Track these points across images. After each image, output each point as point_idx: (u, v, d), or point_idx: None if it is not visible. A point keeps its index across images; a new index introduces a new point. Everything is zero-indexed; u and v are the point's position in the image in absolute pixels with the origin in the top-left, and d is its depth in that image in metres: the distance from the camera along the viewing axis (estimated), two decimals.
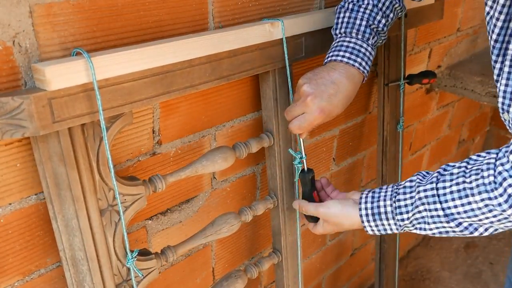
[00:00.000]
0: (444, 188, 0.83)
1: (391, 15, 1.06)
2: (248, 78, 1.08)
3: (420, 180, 0.89)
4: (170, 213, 1.06)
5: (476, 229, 0.83)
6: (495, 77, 0.86)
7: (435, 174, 0.87)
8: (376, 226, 0.93)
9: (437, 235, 0.88)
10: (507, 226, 0.82)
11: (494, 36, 0.82)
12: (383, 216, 0.91)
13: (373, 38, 1.01)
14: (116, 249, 0.83)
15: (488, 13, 0.82)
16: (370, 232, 0.94)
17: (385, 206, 0.91)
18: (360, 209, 0.94)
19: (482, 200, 0.78)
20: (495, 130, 2.75)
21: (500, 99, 0.85)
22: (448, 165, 0.87)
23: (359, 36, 0.99)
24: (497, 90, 0.86)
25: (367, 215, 0.93)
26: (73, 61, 0.69)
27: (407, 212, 0.88)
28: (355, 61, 0.96)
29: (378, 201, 0.92)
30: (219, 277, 1.28)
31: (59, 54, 0.75)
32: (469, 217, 0.81)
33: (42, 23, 0.72)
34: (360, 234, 1.91)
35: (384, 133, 1.53)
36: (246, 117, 1.14)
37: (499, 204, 0.77)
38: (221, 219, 1.03)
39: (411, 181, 0.90)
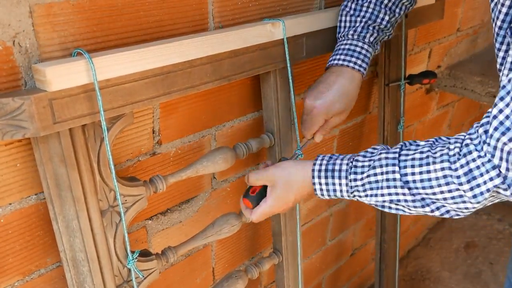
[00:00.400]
0: (407, 155, 0.80)
1: (398, 10, 1.07)
2: (248, 77, 1.08)
3: (384, 148, 0.86)
4: (170, 213, 1.06)
5: (428, 204, 0.79)
6: (498, 65, 0.85)
7: (401, 144, 0.84)
8: (326, 184, 0.86)
9: (386, 207, 0.83)
10: (459, 208, 0.77)
11: (498, 23, 0.81)
12: (336, 174, 0.85)
13: (371, 36, 1.03)
14: (116, 250, 0.83)
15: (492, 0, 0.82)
16: (318, 193, 0.88)
17: (341, 164, 0.86)
18: (314, 164, 0.88)
19: (442, 169, 0.74)
20: None
21: None
22: (415, 141, 0.84)
23: (355, 36, 1.03)
24: (500, 79, 0.85)
25: (319, 170, 0.87)
26: (74, 62, 0.68)
27: (362, 172, 0.83)
28: (349, 61, 1.01)
29: (336, 159, 0.87)
30: (219, 277, 1.28)
31: (59, 54, 0.75)
32: (423, 187, 0.77)
33: (42, 23, 0.71)
34: (360, 234, 1.91)
35: (384, 133, 1.53)
36: (246, 117, 1.14)
37: (458, 177, 0.73)
38: (221, 219, 1.03)
39: (374, 148, 0.87)
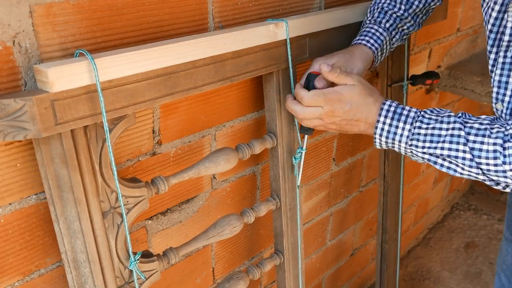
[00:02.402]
0: (467, 122, 0.83)
1: (416, 2, 1.13)
2: (249, 78, 1.08)
3: (451, 111, 0.88)
4: (170, 213, 1.06)
5: (477, 170, 0.83)
6: (490, 67, 0.88)
7: (461, 112, 0.86)
8: (390, 125, 0.88)
9: (439, 161, 0.86)
10: (499, 180, 0.82)
11: (489, 26, 0.85)
12: (403, 118, 0.87)
13: (387, 22, 1.10)
14: (118, 251, 0.83)
15: (486, 3, 0.86)
16: (378, 132, 0.89)
17: (409, 111, 0.88)
18: (384, 104, 0.89)
19: (495, 144, 0.79)
20: None
21: (495, 89, 0.87)
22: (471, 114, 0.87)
23: (372, 21, 1.11)
24: (491, 80, 0.87)
25: (388, 110, 0.88)
26: (76, 63, 0.68)
27: (428, 123, 0.85)
28: (362, 40, 1.08)
29: (404, 106, 0.89)
30: (219, 277, 1.28)
31: (59, 54, 0.75)
32: (473, 155, 0.81)
33: (42, 23, 0.71)
34: (360, 234, 1.91)
35: None
36: (246, 117, 1.14)
37: (504, 156, 0.78)
38: (223, 220, 1.02)
39: (441, 108, 0.89)
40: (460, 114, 0.85)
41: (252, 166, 1.22)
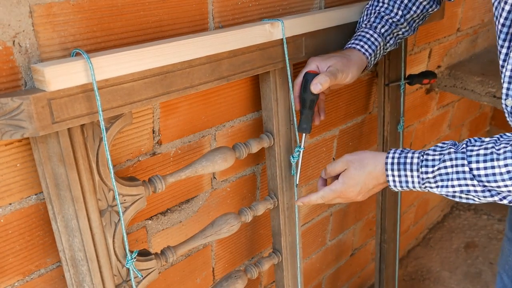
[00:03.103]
0: (472, 150, 0.83)
1: (414, 8, 1.14)
2: (248, 78, 1.08)
3: (453, 144, 0.89)
4: (170, 213, 1.06)
5: (494, 195, 0.83)
6: (500, 62, 0.88)
7: (466, 140, 0.87)
8: (399, 176, 0.91)
9: (457, 197, 0.87)
10: None
11: (501, 20, 0.84)
12: (408, 166, 0.90)
13: (382, 27, 1.11)
14: (116, 249, 0.83)
15: None
16: (391, 184, 0.93)
17: (412, 158, 0.90)
18: (387, 157, 0.93)
19: (506, 165, 0.78)
20: (495, 130, 2.75)
21: (505, 85, 0.87)
22: (479, 138, 0.87)
23: (368, 26, 1.11)
24: (502, 75, 0.87)
25: (392, 163, 0.92)
26: (72, 62, 0.68)
27: (433, 166, 0.87)
28: (357, 44, 1.09)
29: (407, 153, 0.91)
30: (219, 277, 1.28)
31: (59, 54, 0.75)
32: (488, 181, 0.81)
33: (42, 23, 0.72)
34: (360, 234, 1.91)
35: (384, 133, 1.53)
36: (246, 117, 1.14)
37: None
38: (221, 219, 1.03)
39: (443, 143, 0.90)
40: (464, 144, 0.86)
41: (252, 166, 1.22)
